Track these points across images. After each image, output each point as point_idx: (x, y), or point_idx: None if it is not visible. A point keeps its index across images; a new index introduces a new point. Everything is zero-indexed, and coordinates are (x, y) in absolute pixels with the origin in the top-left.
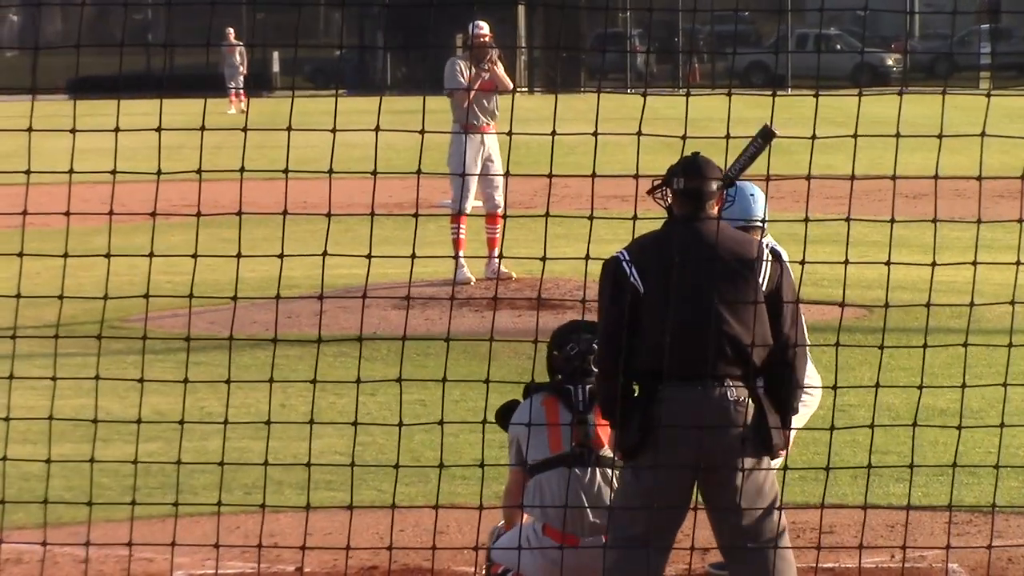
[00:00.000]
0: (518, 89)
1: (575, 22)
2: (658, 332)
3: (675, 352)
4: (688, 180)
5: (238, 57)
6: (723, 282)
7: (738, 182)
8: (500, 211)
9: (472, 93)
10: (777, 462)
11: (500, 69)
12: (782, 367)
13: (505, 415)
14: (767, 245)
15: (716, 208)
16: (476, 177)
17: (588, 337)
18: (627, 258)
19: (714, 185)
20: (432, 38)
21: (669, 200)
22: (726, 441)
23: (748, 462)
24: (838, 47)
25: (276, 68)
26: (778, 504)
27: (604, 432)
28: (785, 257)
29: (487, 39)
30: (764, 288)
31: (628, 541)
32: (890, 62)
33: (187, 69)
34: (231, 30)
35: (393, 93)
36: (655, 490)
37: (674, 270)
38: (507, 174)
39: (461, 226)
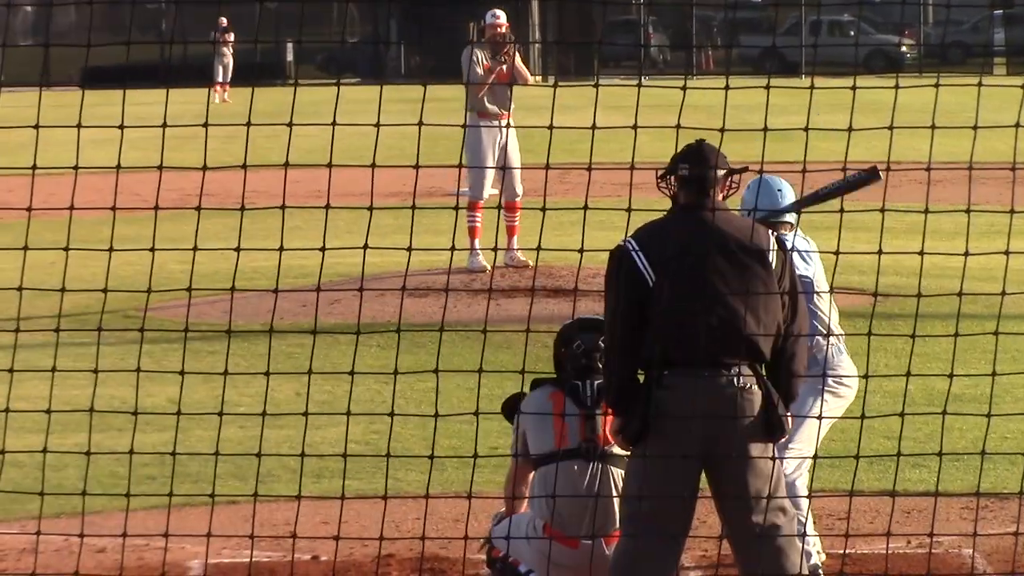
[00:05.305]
0: (536, 82)
1: (587, 10)
2: (665, 321)
3: (681, 340)
4: (692, 167)
5: (227, 48)
6: (730, 270)
7: (764, 175)
8: (519, 199)
9: (487, 85)
10: (808, 451)
11: (518, 60)
12: (782, 355)
13: (511, 407)
14: (775, 236)
15: (721, 195)
16: (493, 166)
17: (593, 335)
18: (635, 247)
19: (718, 172)
20: (447, 26)
21: (674, 189)
22: (732, 428)
23: (755, 450)
24: (851, 33)
25: (290, 57)
26: (783, 492)
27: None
28: (813, 247)
29: (503, 28)
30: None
31: (638, 529)
32: (903, 48)
33: (195, 59)
34: (224, 19)
35: (407, 82)
36: (660, 477)
37: (680, 259)
38: (532, 166)
39: (477, 214)
